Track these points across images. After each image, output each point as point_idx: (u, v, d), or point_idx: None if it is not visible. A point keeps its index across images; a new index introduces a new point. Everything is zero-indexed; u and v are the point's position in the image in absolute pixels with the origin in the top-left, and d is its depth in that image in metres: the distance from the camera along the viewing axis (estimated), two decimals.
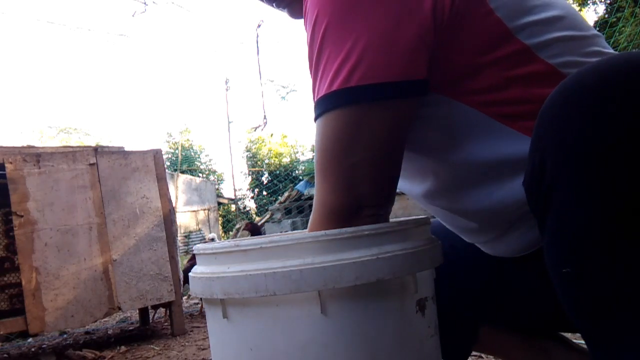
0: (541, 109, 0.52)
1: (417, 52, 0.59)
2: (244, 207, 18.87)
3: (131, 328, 3.24)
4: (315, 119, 0.64)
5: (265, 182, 18.55)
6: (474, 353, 0.98)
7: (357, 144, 0.61)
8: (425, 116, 0.67)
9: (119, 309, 2.59)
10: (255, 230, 3.65)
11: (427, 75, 0.61)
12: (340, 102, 0.60)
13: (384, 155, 0.63)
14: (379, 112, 0.60)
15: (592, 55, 0.66)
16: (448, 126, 0.66)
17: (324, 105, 0.61)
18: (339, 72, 0.59)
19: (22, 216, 2.37)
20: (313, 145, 1.06)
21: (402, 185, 0.81)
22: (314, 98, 0.65)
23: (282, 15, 0.86)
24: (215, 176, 22.40)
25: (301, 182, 11.41)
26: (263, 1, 0.84)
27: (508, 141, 0.64)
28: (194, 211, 14.41)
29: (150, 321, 3.23)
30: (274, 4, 0.83)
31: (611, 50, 0.69)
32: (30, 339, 3.15)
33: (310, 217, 0.66)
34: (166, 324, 3.13)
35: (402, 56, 0.58)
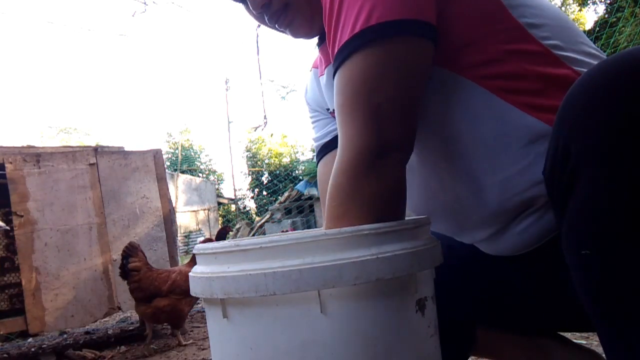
0: (566, 95, 0.52)
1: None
2: (244, 207, 18.86)
3: (131, 328, 3.23)
4: (337, 68, 0.65)
5: (265, 182, 18.54)
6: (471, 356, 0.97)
7: (382, 82, 0.62)
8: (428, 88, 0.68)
9: (119, 309, 2.59)
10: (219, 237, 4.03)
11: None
12: (363, 41, 0.62)
13: (407, 94, 0.64)
14: (401, 47, 0.62)
15: (580, 45, 0.68)
16: (449, 99, 0.68)
17: (348, 49, 0.63)
18: (358, 17, 0.62)
19: (22, 216, 2.37)
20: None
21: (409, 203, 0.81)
22: (332, 53, 0.66)
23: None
24: (215, 176, 22.40)
25: (301, 182, 11.41)
26: (263, 24, 0.84)
27: (508, 116, 0.65)
28: (194, 211, 14.41)
29: None
30: (276, 26, 0.83)
31: (600, 52, 0.72)
32: (30, 339, 3.14)
33: (336, 162, 0.66)
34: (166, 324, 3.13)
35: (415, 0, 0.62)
